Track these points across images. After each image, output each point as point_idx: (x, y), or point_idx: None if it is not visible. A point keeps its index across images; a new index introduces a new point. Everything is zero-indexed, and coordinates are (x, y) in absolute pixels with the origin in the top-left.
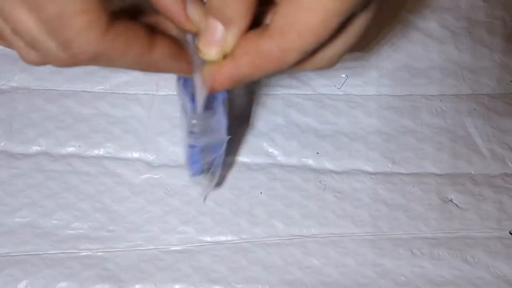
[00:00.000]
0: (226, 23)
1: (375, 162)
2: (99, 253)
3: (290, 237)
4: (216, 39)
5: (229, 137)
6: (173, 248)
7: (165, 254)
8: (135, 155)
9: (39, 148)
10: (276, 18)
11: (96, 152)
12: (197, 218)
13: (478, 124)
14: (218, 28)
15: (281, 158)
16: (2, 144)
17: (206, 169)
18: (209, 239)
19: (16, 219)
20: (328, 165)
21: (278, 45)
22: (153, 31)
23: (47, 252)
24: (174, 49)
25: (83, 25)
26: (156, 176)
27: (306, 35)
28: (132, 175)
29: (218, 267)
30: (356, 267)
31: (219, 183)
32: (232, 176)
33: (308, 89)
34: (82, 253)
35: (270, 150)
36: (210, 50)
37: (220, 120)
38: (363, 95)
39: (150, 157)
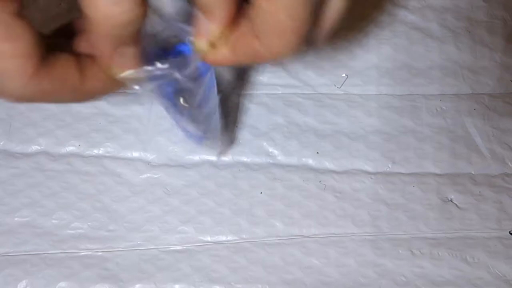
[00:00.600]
0: (208, 15)
1: (375, 162)
2: (99, 253)
3: (290, 237)
4: (203, 31)
5: (219, 96)
6: (173, 248)
7: (165, 254)
8: (135, 154)
9: (39, 148)
10: (256, 17)
11: (96, 151)
12: (197, 218)
13: (478, 124)
14: (204, 21)
15: (281, 158)
16: (1, 143)
17: (206, 138)
18: (209, 239)
19: (16, 219)
20: (328, 165)
21: (264, 47)
22: (84, 59)
23: (47, 252)
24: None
25: (7, 71)
26: (156, 176)
27: (287, 36)
28: (132, 175)
29: (218, 267)
30: (356, 267)
31: (223, 151)
32: (232, 176)
33: (308, 88)
34: (82, 253)
35: (270, 149)
36: (200, 41)
37: (208, 89)
38: (363, 95)
39: (150, 156)
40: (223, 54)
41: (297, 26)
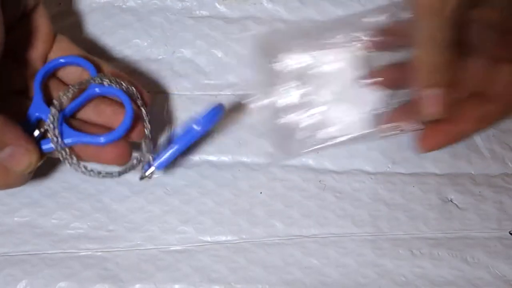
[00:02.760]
0: (440, 87)
1: (375, 162)
2: (99, 253)
3: (290, 237)
4: (434, 102)
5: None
6: (173, 248)
7: (165, 254)
8: (135, 154)
9: None
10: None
11: None
12: (197, 218)
13: None
14: (434, 94)
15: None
16: None
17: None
18: (209, 239)
19: (16, 219)
20: (328, 165)
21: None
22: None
23: (46, 252)
24: None
25: None
26: (156, 176)
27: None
28: (131, 175)
29: (218, 267)
30: (356, 267)
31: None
32: (232, 176)
33: None
34: (82, 253)
35: (270, 149)
36: (433, 110)
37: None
38: None
39: (150, 156)
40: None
41: None
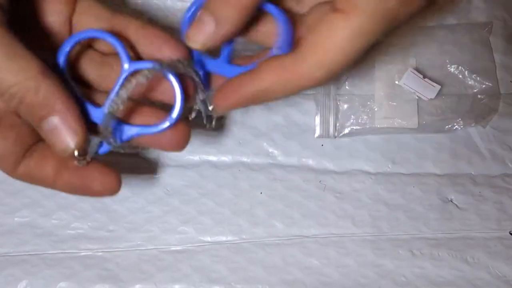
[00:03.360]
0: (218, 21)
1: (375, 162)
2: (99, 253)
3: (290, 237)
4: (205, 31)
5: None
6: (173, 248)
7: (165, 254)
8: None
9: None
10: (309, 37)
11: None
12: (197, 218)
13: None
14: (209, 22)
15: (281, 158)
16: None
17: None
18: (209, 239)
19: (16, 219)
20: (328, 165)
21: (306, 62)
22: (61, 164)
23: (47, 252)
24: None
25: None
26: (156, 176)
27: (334, 53)
28: (132, 175)
29: (218, 267)
30: (356, 268)
31: None
32: (232, 176)
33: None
34: (82, 253)
35: (270, 150)
36: (197, 38)
37: None
38: (362, 95)
39: (150, 156)
40: (250, 83)
41: None
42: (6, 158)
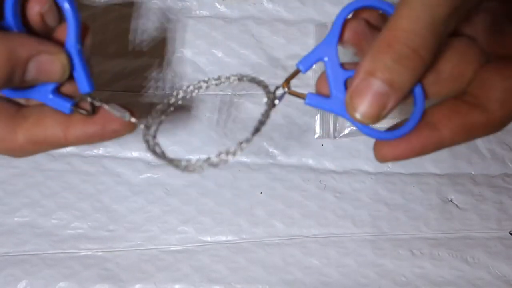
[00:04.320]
0: (392, 88)
1: (375, 162)
2: (99, 253)
3: (290, 237)
4: (379, 98)
5: None
6: (173, 248)
7: (165, 254)
8: (135, 154)
9: None
10: (492, 93)
11: (95, 151)
12: (197, 218)
13: None
14: (381, 87)
15: (281, 158)
16: None
17: None
18: (209, 239)
19: (16, 219)
20: (328, 165)
21: (489, 117)
22: (68, 119)
23: (47, 252)
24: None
25: None
26: (156, 176)
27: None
28: (131, 175)
29: (218, 267)
30: (356, 268)
31: None
32: (232, 176)
33: (308, 89)
34: (82, 253)
35: (270, 149)
36: (370, 109)
37: None
38: None
39: (150, 156)
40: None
41: None
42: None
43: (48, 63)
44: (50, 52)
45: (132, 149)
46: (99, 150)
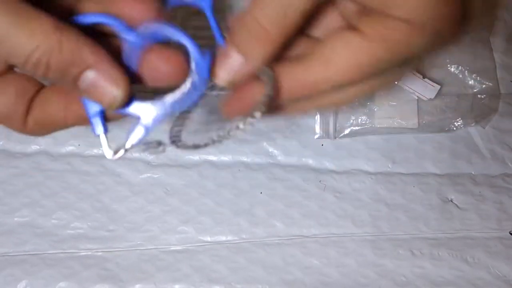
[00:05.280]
0: (246, 57)
1: (375, 162)
2: (99, 253)
3: (290, 237)
4: (233, 67)
5: None
6: (173, 248)
7: (165, 254)
8: (135, 154)
9: (38, 147)
10: (319, 50)
11: (95, 151)
12: (197, 218)
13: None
14: (237, 59)
15: (281, 158)
16: (1, 143)
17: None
18: (209, 239)
19: (16, 219)
20: (328, 165)
21: (314, 74)
22: (68, 99)
23: (46, 252)
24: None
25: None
26: (156, 176)
27: (343, 72)
28: (131, 175)
29: (218, 267)
30: (356, 267)
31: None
32: (232, 176)
33: None
34: (82, 253)
35: (270, 149)
36: (225, 75)
37: None
38: None
39: (150, 156)
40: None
41: None
42: (12, 114)
43: (102, 83)
44: (110, 75)
45: (132, 149)
46: (99, 150)
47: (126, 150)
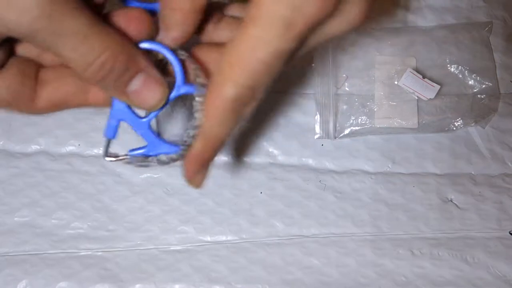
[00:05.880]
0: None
1: (375, 162)
2: (99, 253)
3: (290, 237)
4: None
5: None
6: (173, 248)
7: (165, 254)
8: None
9: (39, 147)
10: (227, 49)
11: (95, 151)
12: (197, 218)
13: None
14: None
15: (281, 158)
16: (1, 143)
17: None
18: (209, 238)
19: (16, 219)
20: (328, 165)
21: (222, 78)
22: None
23: (46, 252)
24: None
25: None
26: (156, 176)
27: (248, 72)
28: (131, 175)
29: (218, 267)
30: (356, 267)
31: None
32: (232, 175)
33: (309, 89)
34: (82, 253)
35: (270, 149)
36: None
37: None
38: (362, 95)
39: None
40: None
41: None
42: (20, 95)
43: (152, 85)
44: (156, 78)
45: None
46: (99, 150)
47: (122, 159)
